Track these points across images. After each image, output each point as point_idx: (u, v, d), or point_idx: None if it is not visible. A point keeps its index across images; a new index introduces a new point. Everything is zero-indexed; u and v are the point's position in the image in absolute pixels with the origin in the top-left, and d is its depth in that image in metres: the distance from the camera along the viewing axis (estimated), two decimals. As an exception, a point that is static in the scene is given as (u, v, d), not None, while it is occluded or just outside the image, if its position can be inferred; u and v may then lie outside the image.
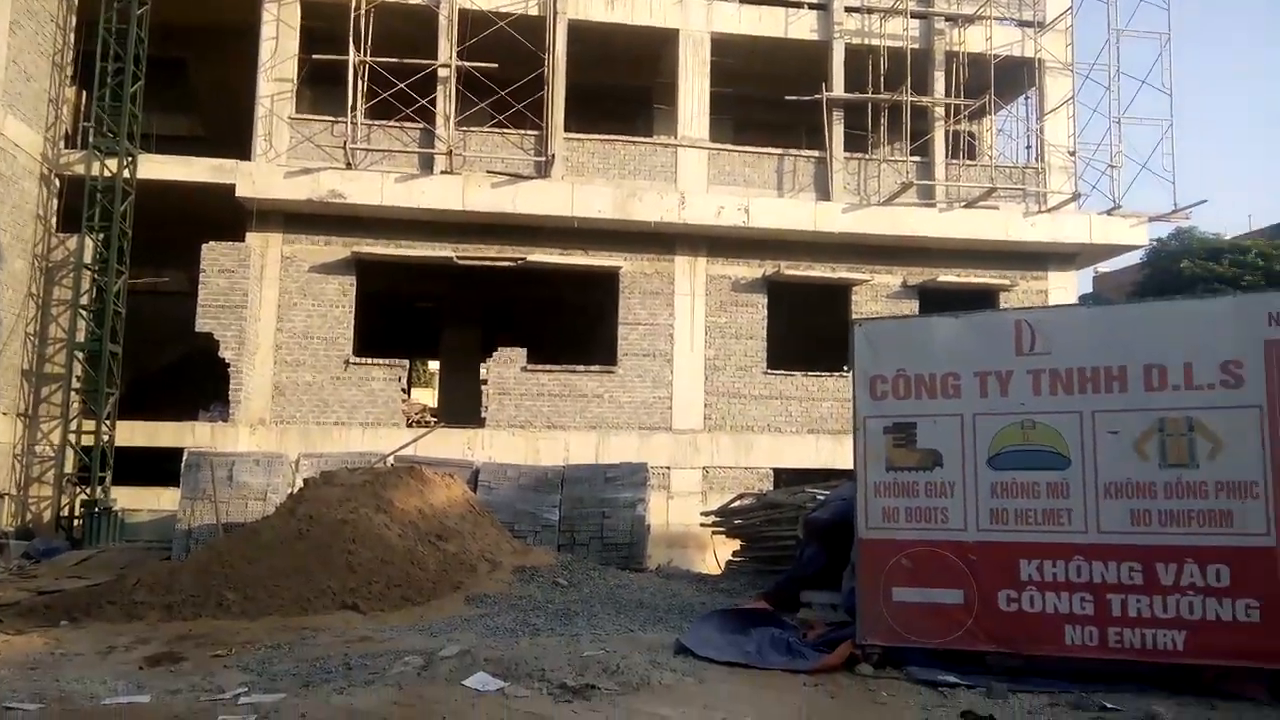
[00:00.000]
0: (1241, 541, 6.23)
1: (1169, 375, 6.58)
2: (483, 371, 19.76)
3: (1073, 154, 19.49)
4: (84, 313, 16.30)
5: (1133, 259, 26.52)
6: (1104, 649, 6.43)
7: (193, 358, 17.71)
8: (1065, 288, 19.56)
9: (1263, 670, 6.14)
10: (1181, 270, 25.30)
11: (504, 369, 17.57)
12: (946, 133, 19.30)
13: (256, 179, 16.63)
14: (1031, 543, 6.72)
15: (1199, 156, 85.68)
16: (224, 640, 7.71)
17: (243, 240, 16.86)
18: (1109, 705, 5.95)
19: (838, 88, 18.84)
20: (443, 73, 17.44)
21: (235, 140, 17.65)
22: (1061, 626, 6.53)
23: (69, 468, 15.99)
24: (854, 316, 17.55)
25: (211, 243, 16.61)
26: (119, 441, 16.18)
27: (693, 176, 18.37)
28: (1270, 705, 5.97)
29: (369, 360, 17.19)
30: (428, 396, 27.70)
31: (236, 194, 16.45)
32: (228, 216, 16.84)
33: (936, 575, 6.89)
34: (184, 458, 13.43)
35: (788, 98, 18.62)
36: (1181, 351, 6.58)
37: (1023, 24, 19.83)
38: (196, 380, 17.44)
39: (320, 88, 18.27)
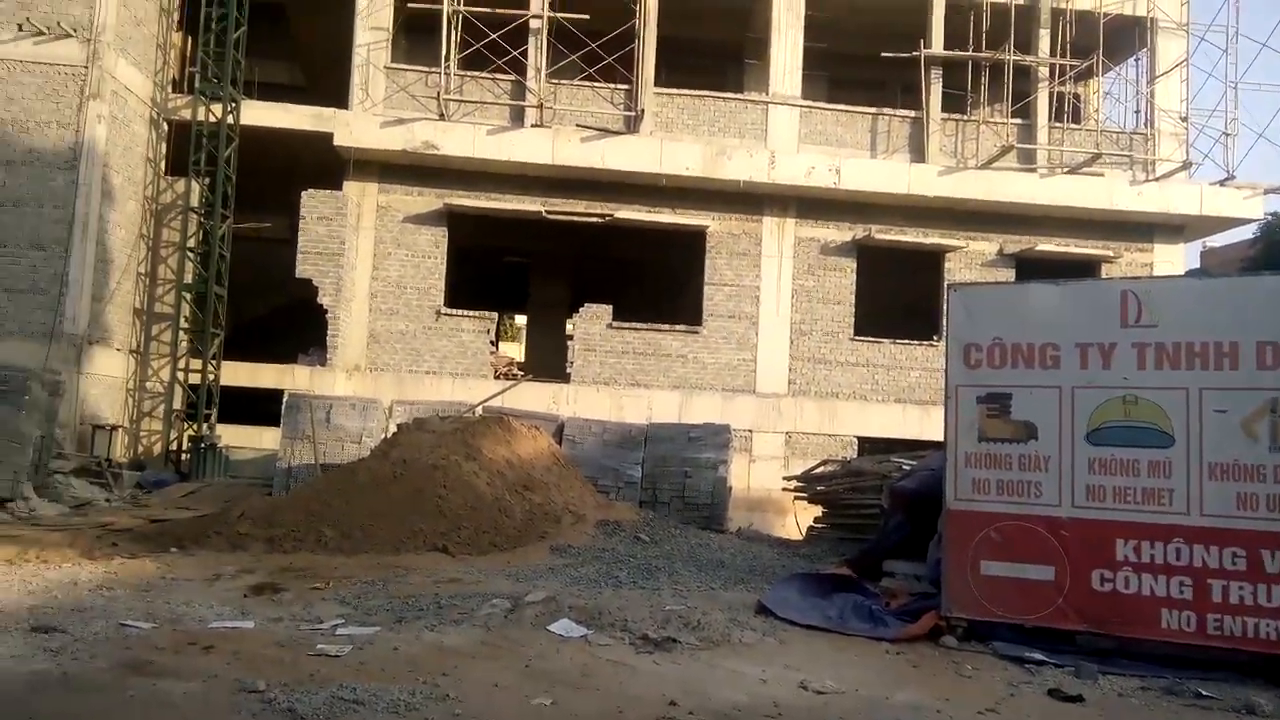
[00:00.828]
0: (1356, 531, 5.99)
1: (1284, 354, 6.31)
2: (569, 327, 19.94)
3: (1185, 120, 18.57)
4: (191, 255, 16.91)
5: (1244, 233, 25.33)
6: (1202, 635, 6.26)
7: (292, 303, 18.25)
8: (1172, 261, 18.74)
9: (1371, 666, 5.92)
10: (1298, 246, 24.01)
11: (590, 325, 17.71)
12: (1050, 94, 18.55)
13: (354, 128, 16.91)
14: (1129, 522, 6.56)
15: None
16: (322, 574, 8.05)
17: (340, 189, 17.23)
18: (1205, 693, 5.82)
19: (937, 45, 18.24)
20: (534, 24, 17.41)
21: (332, 89, 17.97)
22: (1158, 610, 6.38)
23: (177, 404, 16.72)
24: (948, 283, 17.15)
25: (311, 190, 17.02)
26: (223, 381, 16.89)
27: (783, 135, 18.07)
28: (1378, 702, 5.76)
29: (459, 312, 17.50)
30: (515, 350, 28.10)
31: (335, 142, 16.76)
32: (325, 165, 17.20)
33: (1027, 550, 6.79)
34: (284, 399, 13.94)
35: (884, 55, 18.12)
36: (1299, 329, 6.31)
37: (1136, -20, 18.87)
38: (296, 325, 18.00)
39: (415, 37, 18.42)
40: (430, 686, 5.11)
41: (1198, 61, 19.43)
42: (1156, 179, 18.32)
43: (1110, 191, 18.06)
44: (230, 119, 16.82)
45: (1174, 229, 18.82)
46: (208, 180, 16.79)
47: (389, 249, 17.44)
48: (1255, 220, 20.08)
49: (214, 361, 16.71)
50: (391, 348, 17.27)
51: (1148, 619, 6.40)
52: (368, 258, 17.38)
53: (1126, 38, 18.89)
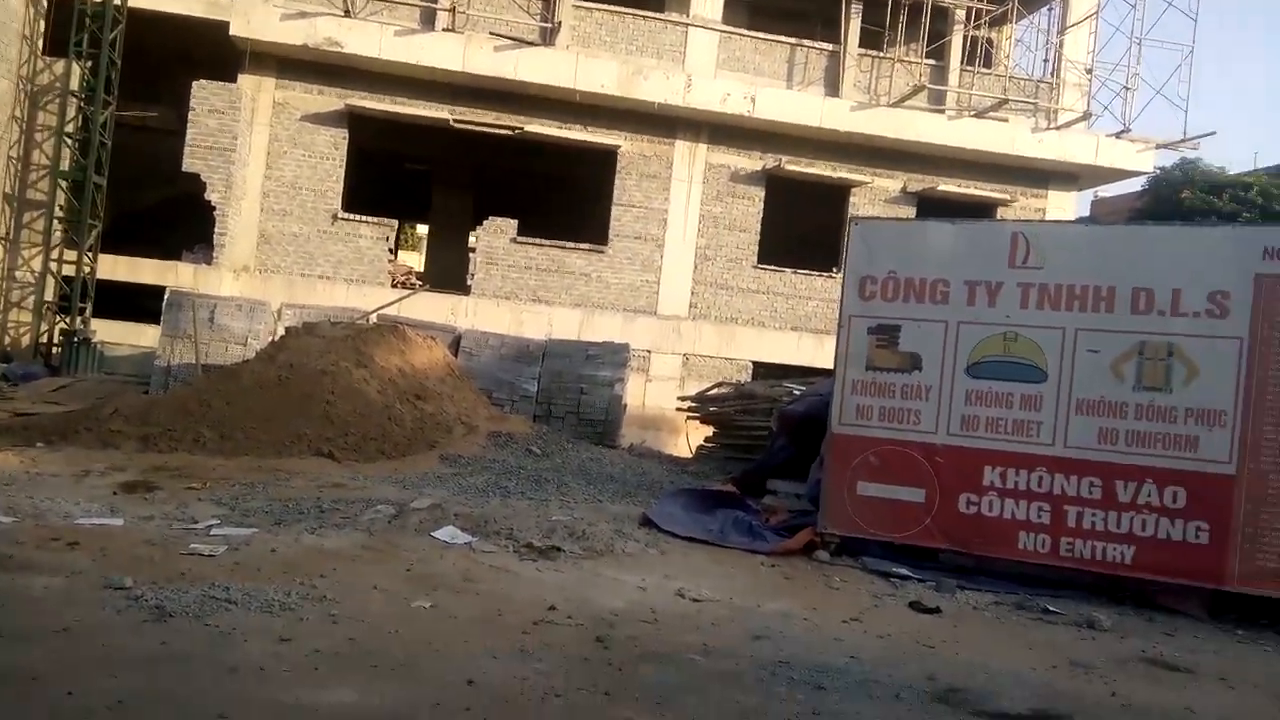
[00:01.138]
0: (1203, 467, 6.42)
1: (1156, 299, 6.66)
2: (472, 239, 19.57)
3: (1089, 72, 19.06)
4: (69, 141, 15.95)
5: (1133, 185, 26.11)
6: (1054, 556, 6.69)
7: (178, 198, 17.39)
8: (1064, 208, 19.42)
9: (1203, 589, 6.40)
10: (1181, 201, 24.98)
11: (494, 239, 17.42)
12: (965, 37, 18.77)
13: (252, 18, 15.99)
14: (998, 450, 6.90)
15: (1213, 91, 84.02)
16: (198, 475, 7.83)
17: (234, 81, 16.36)
18: (1051, 609, 6.21)
19: (860, -21, 18.20)
20: (451, -77, 16.67)
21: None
22: (1016, 532, 6.77)
23: (49, 295, 15.93)
24: (850, 217, 17.39)
25: (203, 81, 16.10)
26: (100, 275, 16.08)
27: (701, 59, 17.87)
28: (1206, 621, 6.26)
29: (357, 217, 16.96)
30: (414, 260, 27.50)
31: (230, 33, 15.85)
32: (220, 56, 16.30)
33: (902, 473, 7.09)
34: (166, 296, 13.36)
35: (807, -16, 18.01)
36: (1171, 277, 6.65)
37: (1055, -69, 19.10)
38: (181, 221, 17.18)
39: (322, -73, 17.43)
40: (307, 588, 5.06)
41: (1107, 15, 19.85)
42: (1057, 128, 18.83)
43: (1013, 137, 18.49)
44: (117, -1, 15.73)
45: (1069, 177, 19.45)
46: (90, 63, 15.74)
47: (285, 147, 16.71)
48: (1145, 173, 20.84)
49: (90, 253, 15.88)
50: (283, 249, 16.66)
51: (1006, 540, 6.80)
52: (261, 155, 16.62)
53: (1042, -14, 19.20)
